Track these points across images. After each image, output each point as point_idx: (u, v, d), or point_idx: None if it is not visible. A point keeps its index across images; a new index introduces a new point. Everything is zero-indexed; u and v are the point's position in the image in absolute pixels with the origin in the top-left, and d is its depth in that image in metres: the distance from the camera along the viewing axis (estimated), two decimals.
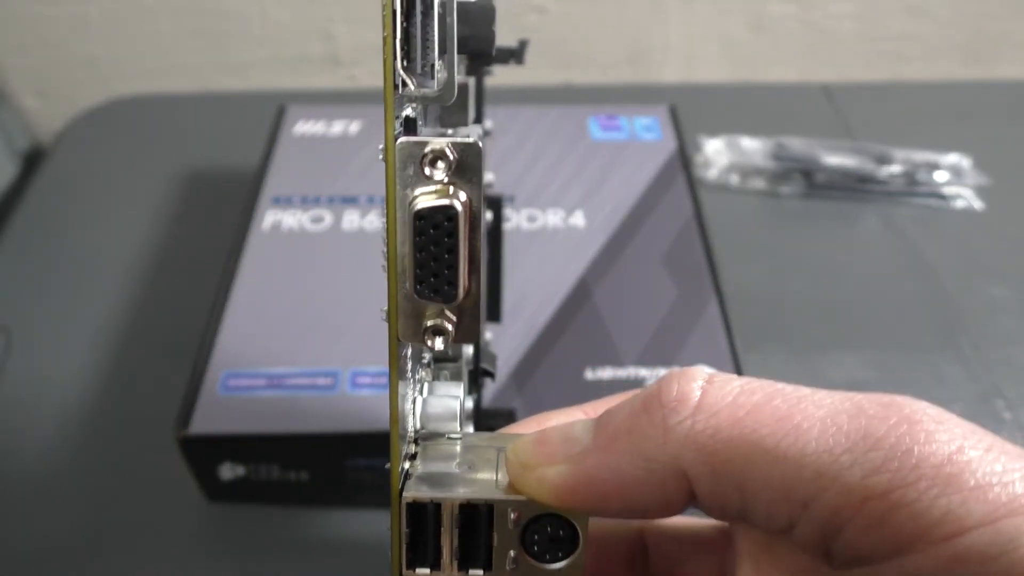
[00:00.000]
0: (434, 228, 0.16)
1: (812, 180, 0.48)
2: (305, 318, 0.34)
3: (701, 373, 0.17)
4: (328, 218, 0.39)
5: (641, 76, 0.60)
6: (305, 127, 0.44)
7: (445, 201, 0.16)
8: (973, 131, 0.52)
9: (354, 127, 0.44)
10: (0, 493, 0.34)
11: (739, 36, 0.58)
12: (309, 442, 0.31)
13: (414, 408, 0.19)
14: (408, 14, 0.16)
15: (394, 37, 0.16)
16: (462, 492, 0.18)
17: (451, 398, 0.20)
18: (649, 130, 0.44)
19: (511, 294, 0.33)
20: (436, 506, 0.19)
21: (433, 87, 0.16)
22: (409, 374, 0.19)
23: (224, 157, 0.51)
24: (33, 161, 0.56)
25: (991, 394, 0.38)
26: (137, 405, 0.37)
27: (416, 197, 0.17)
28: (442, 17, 0.16)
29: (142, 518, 0.33)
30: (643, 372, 0.32)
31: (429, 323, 0.17)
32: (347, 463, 0.32)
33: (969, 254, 0.45)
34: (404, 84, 0.16)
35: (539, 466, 0.18)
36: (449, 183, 0.16)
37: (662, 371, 0.32)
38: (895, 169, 0.48)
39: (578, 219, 0.39)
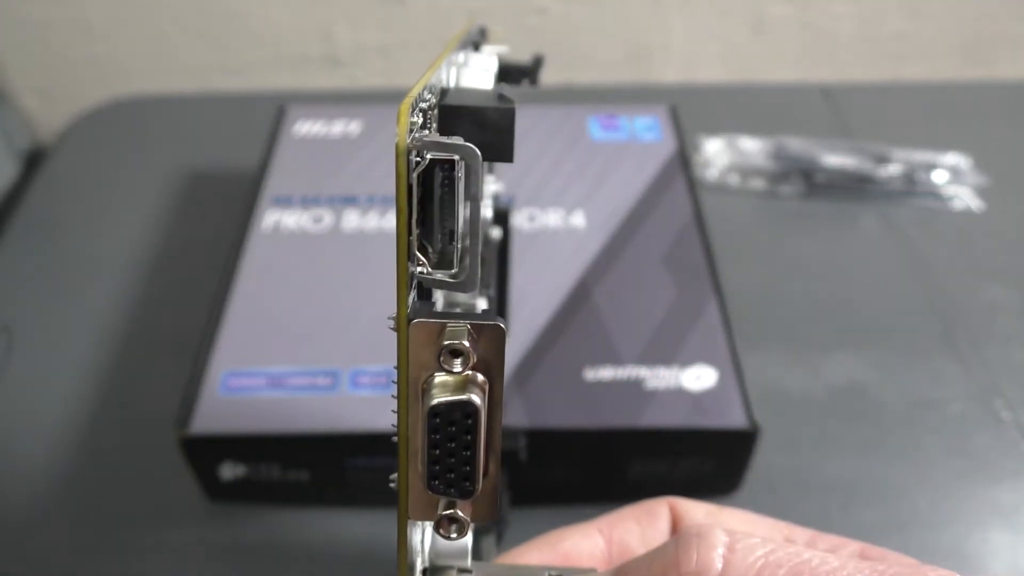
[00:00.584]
0: (451, 425, 0.15)
1: (812, 180, 0.48)
2: (305, 318, 0.34)
3: (721, 539, 0.16)
4: (328, 218, 0.39)
5: (641, 76, 0.60)
6: (305, 127, 0.44)
7: (462, 396, 0.15)
8: (972, 131, 0.52)
9: (354, 127, 0.44)
10: (0, 492, 0.34)
11: (739, 37, 0.58)
12: (309, 442, 0.31)
13: (423, 545, 0.18)
14: (425, 196, 0.14)
15: (409, 214, 0.14)
16: None
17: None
18: (649, 130, 0.44)
19: (511, 294, 0.33)
20: None
21: (453, 272, 0.15)
22: None
23: (224, 157, 0.51)
24: (34, 161, 0.56)
25: (990, 394, 0.38)
26: (137, 405, 0.37)
27: (432, 389, 0.15)
28: (474, 210, 0.14)
29: (142, 518, 0.33)
30: (643, 372, 0.32)
31: (444, 512, 0.16)
32: (347, 463, 0.32)
33: (968, 254, 0.45)
34: (419, 264, 0.15)
35: None
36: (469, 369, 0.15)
37: (662, 371, 0.32)
38: (894, 169, 0.48)
39: (578, 219, 0.39)
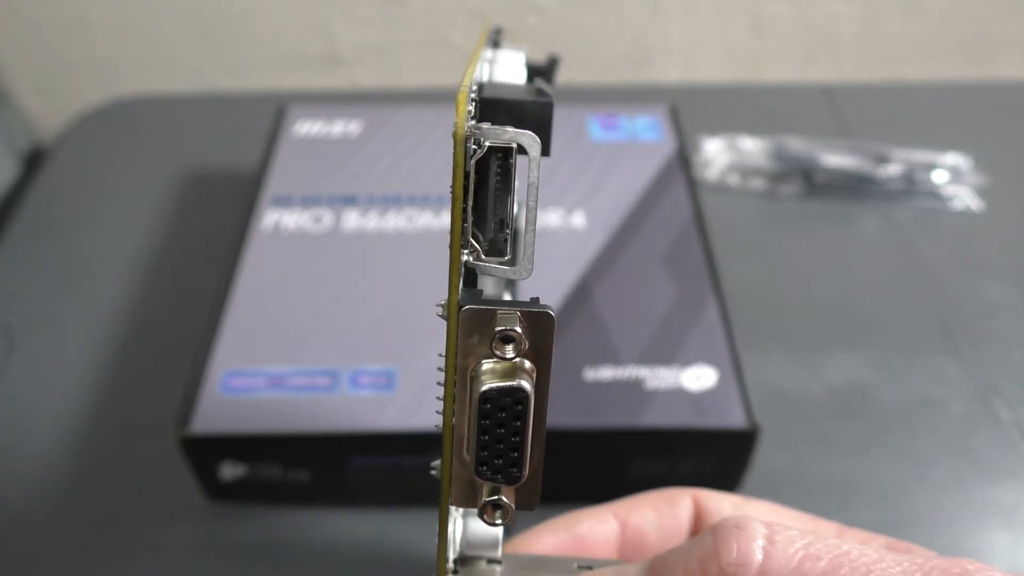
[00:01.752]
0: (501, 411, 0.15)
1: (812, 180, 0.48)
2: (305, 318, 0.34)
3: (760, 530, 0.16)
4: (328, 218, 0.39)
5: (641, 76, 0.60)
6: (305, 127, 0.44)
7: (513, 382, 0.15)
8: (972, 131, 0.52)
9: (354, 127, 0.44)
10: (0, 492, 0.34)
11: (739, 36, 0.58)
12: (309, 442, 0.31)
13: (454, 535, 0.18)
14: (481, 172, 0.14)
15: (465, 202, 0.14)
16: None
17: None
18: (649, 130, 0.44)
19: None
20: None
21: (505, 259, 0.15)
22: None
23: (224, 157, 0.51)
24: (34, 161, 0.56)
25: (989, 393, 0.38)
26: (137, 405, 0.37)
27: (482, 376, 0.15)
28: (531, 197, 0.14)
29: (142, 518, 0.33)
30: (643, 372, 0.32)
31: (488, 499, 0.16)
32: (347, 463, 0.32)
33: (968, 254, 0.45)
34: (474, 252, 0.15)
35: None
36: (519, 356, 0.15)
37: (662, 371, 0.32)
38: (894, 169, 0.48)
39: (578, 219, 0.39)
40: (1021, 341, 0.40)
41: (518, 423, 0.15)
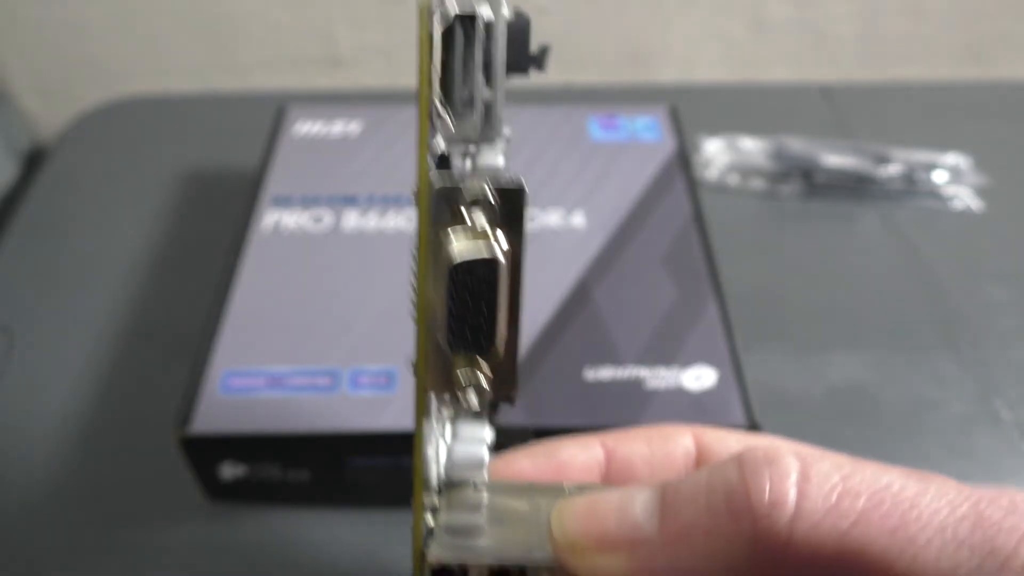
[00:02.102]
0: (472, 282, 0.15)
1: (812, 180, 0.48)
2: (305, 318, 0.34)
3: (793, 465, 0.14)
4: (328, 218, 0.39)
5: (641, 76, 0.60)
6: (305, 127, 0.44)
7: (485, 253, 0.15)
8: (972, 131, 0.52)
9: (354, 127, 0.44)
10: (0, 492, 0.34)
11: (739, 36, 0.58)
12: (309, 442, 0.31)
13: (437, 455, 0.18)
14: (447, 44, 0.14)
15: (430, 68, 0.14)
16: (491, 552, 0.16)
17: (477, 443, 0.18)
18: (649, 130, 0.44)
19: None
20: (463, 570, 0.17)
21: (475, 126, 0.15)
22: (433, 415, 0.17)
23: (224, 157, 0.51)
24: (34, 161, 0.56)
25: (990, 393, 0.38)
26: (137, 404, 0.37)
27: (452, 245, 0.15)
28: (487, 49, 0.14)
29: (142, 518, 0.33)
30: (643, 372, 0.32)
31: (463, 377, 0.16)
32: (347, 463, 0.32)
33: (968, 254, 0.45)
34: (440, 118, 0.15)
35: (590, 550, 0.15)
36: (490, 228, 0.15)
37: (662, 371, 0.32)
38: (894, 169, 0.48)
39: (578, 219, 0.39)
40: (1021, 341, 0.40)
41: (490, 293, 0.15)
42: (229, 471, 0.32)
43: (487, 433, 0.18)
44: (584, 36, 0.58)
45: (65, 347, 0.40)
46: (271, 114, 0.45)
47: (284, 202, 0.40)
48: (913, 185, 0.48)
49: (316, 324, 0.34)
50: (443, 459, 0.18)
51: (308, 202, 0.40)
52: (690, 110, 0.47)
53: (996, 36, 0.59)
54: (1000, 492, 0.14)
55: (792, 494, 0.14)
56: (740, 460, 0.15)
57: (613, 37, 0.58)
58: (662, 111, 0.45)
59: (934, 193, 0.48)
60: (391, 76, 0.59)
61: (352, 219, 0.39)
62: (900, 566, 0.13)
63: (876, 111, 0.55)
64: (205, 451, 0.31)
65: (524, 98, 0.49)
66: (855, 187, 0.48)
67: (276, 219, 0.39)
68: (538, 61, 0.23)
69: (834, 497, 0.14)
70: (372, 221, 0.39)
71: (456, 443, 0.18)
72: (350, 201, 0.40)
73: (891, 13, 0.57)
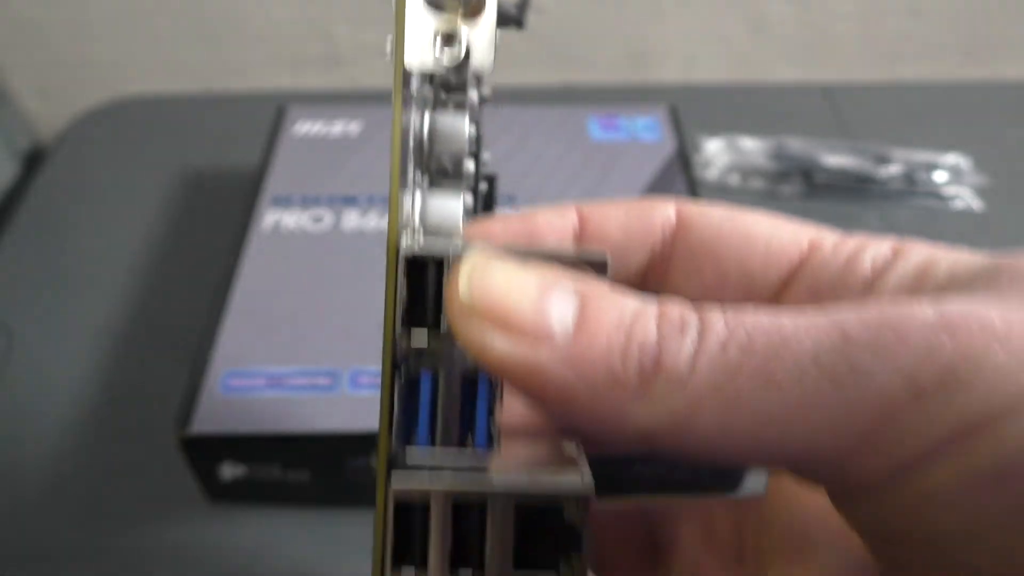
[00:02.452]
0: None
1: (812, 180, 0.48)
2: (305, 318, 0.34)
3: (693, 322, 0.13)
4: (328, 218, 0.39)
5: (641, 76, 0.60)
6: (305, 127, 0.44)
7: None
8: (972, 131, 0.52)
9: (354, 127, 0.44)
10: (0, 492, 0.34)
11: (739, 36, 0.58)
12: (309, 442, 0.31)
13: (413, 206, 0.17)
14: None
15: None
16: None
17: (453, 202, 0.17)
18: (649, 130, 0.44)
19: None
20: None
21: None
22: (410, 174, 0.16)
23: (224, 157, 0.51)
24: (34, 161, 0.56)
25: None
26: (137, 405, 0.37)
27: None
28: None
29: (142, 518, 0.33)
30: None
31: (441, 29, 0.14)
32: (347, 463, 0.32)
33: None
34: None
35: (492, 329, 0.14)
36: None
37: None
38: (894, 169, 0.48)
39: None
40: None
41: None
42: (229, 471, 0.32)
43: (464, 200, 0.18)
44: (584, 36, 0.58)
45: (65, 347, 0.40)
46: (271, 114, 0.45)
47: (284, 202, 0.40)
48: (913, 185, 0.48)
49: (316, 324, 0.34)
50: (417, 211, 0.17)
51: (308, 202, 0.40)
52: (690, 110, 0.47)
53: (996, 36, 0.59)
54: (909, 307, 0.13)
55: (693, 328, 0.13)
56: (661, 305, 0.14)
57: (613, 37, 0.58)
58: (662, 111, 0.45)
59: (934, 193, 0.48)
60: (391, 76, 0.59)
61: (352, 219, 0.39)
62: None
63: (876, 111, 0.55)
64: (205, 451, 0.31)
65: (524, 98, 0.49)
66: (855, 187, 0.48)
67: (276, 219, 0.39)
68: (517, 20, 0.22)
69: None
70: (372, 221, 0.39)
71: (432, 198, 0.18)
72: (350, 201, 0.40)
73: (891, 13, 0.57)
